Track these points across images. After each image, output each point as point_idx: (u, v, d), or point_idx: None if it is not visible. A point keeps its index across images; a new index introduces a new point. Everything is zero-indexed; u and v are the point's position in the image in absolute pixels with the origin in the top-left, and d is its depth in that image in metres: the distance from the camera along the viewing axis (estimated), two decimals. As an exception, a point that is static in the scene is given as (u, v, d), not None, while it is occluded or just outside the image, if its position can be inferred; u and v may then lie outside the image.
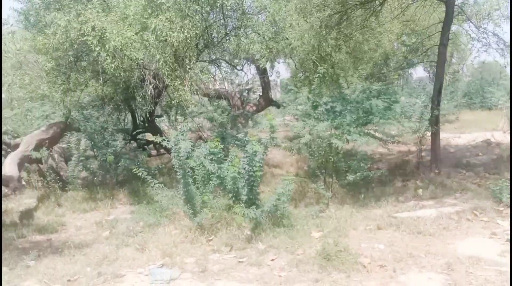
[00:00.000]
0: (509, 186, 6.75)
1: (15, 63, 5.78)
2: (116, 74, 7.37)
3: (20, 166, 7.71)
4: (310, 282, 4.55)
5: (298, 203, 7.56)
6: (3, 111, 9.39)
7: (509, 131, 12.97)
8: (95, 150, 9.50)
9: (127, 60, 7.37)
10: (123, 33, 6.92)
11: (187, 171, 6.49)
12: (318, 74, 8.01)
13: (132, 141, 10.81)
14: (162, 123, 13.58)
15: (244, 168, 6.24)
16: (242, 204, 6.18)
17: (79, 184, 8.91)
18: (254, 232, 6.05)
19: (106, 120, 10.16)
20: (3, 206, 8.14)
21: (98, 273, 5.15)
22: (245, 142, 8.82)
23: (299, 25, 10.40)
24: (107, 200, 8.34)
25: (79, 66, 8.55)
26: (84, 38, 7.16)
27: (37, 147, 8.18)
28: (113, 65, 7.08)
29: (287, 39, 10.60)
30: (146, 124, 10.47)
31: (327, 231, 5.96)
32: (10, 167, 7.37)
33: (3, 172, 7.28)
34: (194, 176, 6.84)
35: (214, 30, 8.58)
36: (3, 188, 7.41)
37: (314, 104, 7.77)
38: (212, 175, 6.68)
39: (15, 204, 8.33)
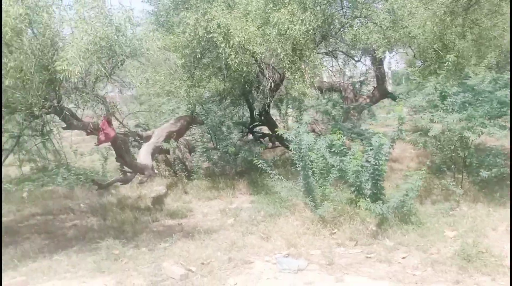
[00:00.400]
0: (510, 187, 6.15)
1: (155, 60, 6.30)
2: (238, 69, 7.64)
3: (153, 156, 8.39)
4: (449, 283, 4.30)
5: (423, 200, 7.17)
6: (137, 106, 10.34)
7: None
8: (213, 142, 10.04)
9: (248, 55, 7.59)
10: (246, 28, 7.12)
11: (307, 163, 6.52)
12: (447, 63, 7.48)
13: (248, 134, 11.20)
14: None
15: (369, 162, 6.07)
16: (367, 199, 6.03)
17: (202, 173, 9.45)
18: (380, 228, 5.88)
19: (223, 114, 10.62)
20: (138, 192, 8.99)
21: (228, 259, 5.42)
22: (368, 134, 8.60)
23: (420, 12, 9.81)
24: (228, 190, 8.74)
25: (202, 63, 9.02)
26: (210, 35, 7.52)
27: (167, 139, 8.84)
28: (236, 61, 7.33)
29: (406, 27, 10.07)
30: (262, 118, 10.74)
31: (462, 230, 5.57)
32: (144, 156, 8.04)
33: (138, 160, 7.97)
34: (313, 169, 6.85)
35: (336, 21, 8.46)
36: (139, 175, 8.14)
37: (443, 94, 7.27)
38: (333, 168, 6.61)
39: (147, 191, 9.13)
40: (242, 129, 11.04)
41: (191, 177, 9.30)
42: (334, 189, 6.74)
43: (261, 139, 11.28)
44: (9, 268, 5.67)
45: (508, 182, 7.58)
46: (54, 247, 6.37)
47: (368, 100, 12.44)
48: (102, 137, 6.80)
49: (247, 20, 7.46)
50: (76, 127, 6.93)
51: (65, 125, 6.90)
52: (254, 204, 7.77)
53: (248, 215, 7.14)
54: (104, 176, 9.43)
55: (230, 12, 7.59)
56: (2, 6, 5.05)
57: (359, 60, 11.39)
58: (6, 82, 5.34)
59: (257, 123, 11.25)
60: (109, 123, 6.80)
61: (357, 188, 6.36)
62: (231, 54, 7.39)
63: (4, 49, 5.55)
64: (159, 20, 8.91)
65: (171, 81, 8.83)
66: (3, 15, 5.00)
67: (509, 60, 15.89)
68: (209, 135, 10.12)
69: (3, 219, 7.65)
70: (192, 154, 9.97)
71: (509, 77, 8.10)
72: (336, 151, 6.58)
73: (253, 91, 9.73)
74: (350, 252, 5.46)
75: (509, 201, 6.68)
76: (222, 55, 7.71)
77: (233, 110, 11.80)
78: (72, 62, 5.32)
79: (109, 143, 7.59)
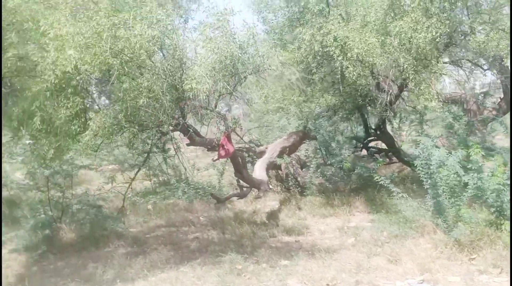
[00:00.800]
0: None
1: (274, 77, 6.37)
2: (357, 82, 7.42)
3: (267, 171, 8.44)
4: None
5: None
6: (250, 123, 10.55)
7: None
8: (324, 157, 9.83)
9: (367, 67, 7.34)
10: (365, 39, 6.90)
11: (437, 181, 6.03)
12: None
13: (362, 149, 10.83)
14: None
15: (514, 180, 5.41)
16: (513, 221, 5.37)
17: (315, 189, 9.27)
18: (530, 255, 5.17)
19: (334, 129, 10.40)
20: (253, 207, 9.10)
21: (356, 281, 5.16)
22: (500, 149, 7.80)
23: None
24: (344, 207, 8.43)
25: (315, 78, 8.94)
26: (326, 49, 7.42)
27: (280, 154, 8.86)
28: (354, 73, 7.13)
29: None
30: (378, 132, 10.31)
31: None
32: (260, 171, 8.11)
33: (254, 176, 8.05)
34: (442, 187, 6.31)
35: (466, 26, 7.85)
36: (254, 190, 8.22)
37: None
38: (468, 186, 6.01)
39: (261, 206, 9.19)
40: (356, 144, 10.70)
41: (304, 193, 9.17)
42: (469, 209, 6.12)
43: (376, 155, 10.81)
44: (139, 277, 5.98)
45: None
46: (179, 258, 6.61)
47: (494, 113, 11.28)
48: (222, 152, 6.98)
49: (365, 32, 7.24)
50: (198, 144, 7.22)
51: (187, 142, 7.25)
52: (375, 224, 7.37)
53: (369, 235, 6.79)
54: (220, 190, 9.71)
55: (346, 24, 7.44)
56: (138, 30, 5.42)
57: (488, 69, 10.41)
58: (140, 101, 5.72)
59: (372, 138, 10.82)
60: (229, 139, 6.97)
61: (498, 208, 5.70)
62: (348, 67, 7.20)
63: (136, 71, 5.98)
64: (272, 38, 9.05)
65: (283, 97, 8.90)
66: (138, 38, 5.37)
67: None
68: (319, 151, 9.94)
69: (133, 230, 8.20)
70: (303, 169, 9.86)
71: None
72: (472, 167, 5.97)
73: (367, 105, 9.40)
74: (495, 281, 4.87)
75: None
76: (337, 69, 7.56)
77: (344, 124, 11.51)
78: (200, 81, 5.54)
79: (226, 159, 7.80)
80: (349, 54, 7.10)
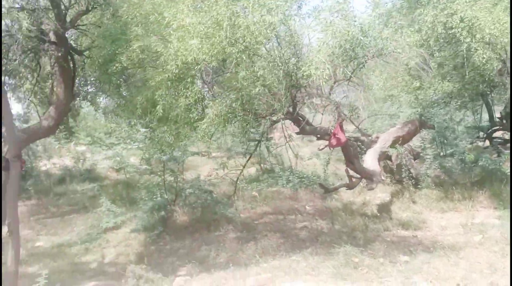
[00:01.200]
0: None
1: (399, 61, 5.97)
2: (487, 65, 6.72)
3: (379, 161, 8.04)
4: None
5: None
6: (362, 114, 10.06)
7: None
8: (440, 148, 9.14)
9: (500, 49, 6.60)
10: (499, 19, 6.18)
11: None
12: None
13: (486, 140, 9.88)
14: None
15: None
16: None
17: (430, 182, 8.68)
18: None
19: (450, 117, 9.62)
20: (361, 198, 8.77)
21: (490, 283, 4.71)
22: None
23: None
24: (466, 201, 7.79)
25: (436, 62, 8.29)
26: (452, 31, 6.81)
27: (393, 144, 8.40)
28: (485, 56, 6.44)
29: None
30: (504, 121, 9.32)
31: None
32: (372, 162, 7.75)
33: (365, 166, 7.70)
34: None
35: None
36: (366, 181, 7.87)
37: None
38: None
39: (370, 197, 8.83)
40: (478, 134, 9.79)
41: (419, 186, 8.61)
42: None
43: (500, 146, 9.81)
44: (251, 263, 6.04)
45: None
46: (289, 246, 6.58)
47: None
48: (333, 141, 6.74)
49: (497, 11, 6.49)
50: (308, 132, 7.06)
51: (296, 130, 7.13)
52: (504, 220, 6.69)
53: (499, 232, 6.17)
54: (325, 180, 9.50)
55: (474, 4, 6.74)
56: (257, 17, 5.34)
57: None
58: (256, 90, 5.68)
59: (497, 127, 9.81)
60: (341, 128, 6.72)
61: None
62: (477, 49, 6.53)
63: (250, 59, 5.94)
64: (387, 21, 8.53)
65: (398, 83, 8.41)
66: (257, 25, 5.29)
67: None
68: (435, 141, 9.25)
69: (241, 215, 8.34)
70: (416, 160, 9.26)
71: None
72: None
73: (492, 92, 8.52)
74: None
75: None
76: (463, 52, 6.90)
77: (459, 113, 10.61)
78: (318, 67, 5.32)
79: (332, 148, 7.53)
80: (478, 36, 6.42)
